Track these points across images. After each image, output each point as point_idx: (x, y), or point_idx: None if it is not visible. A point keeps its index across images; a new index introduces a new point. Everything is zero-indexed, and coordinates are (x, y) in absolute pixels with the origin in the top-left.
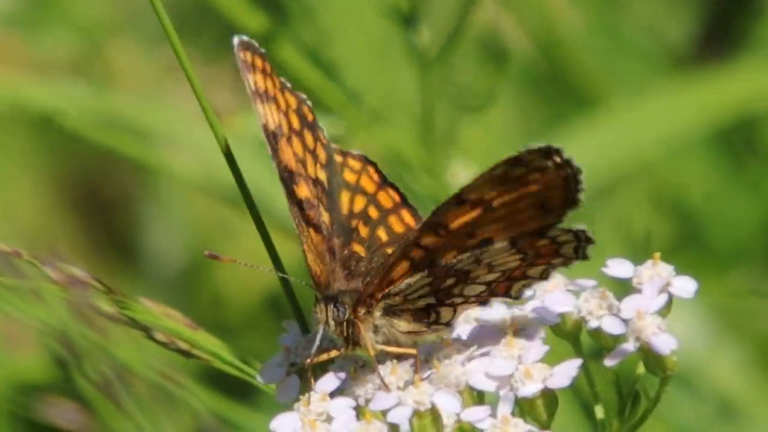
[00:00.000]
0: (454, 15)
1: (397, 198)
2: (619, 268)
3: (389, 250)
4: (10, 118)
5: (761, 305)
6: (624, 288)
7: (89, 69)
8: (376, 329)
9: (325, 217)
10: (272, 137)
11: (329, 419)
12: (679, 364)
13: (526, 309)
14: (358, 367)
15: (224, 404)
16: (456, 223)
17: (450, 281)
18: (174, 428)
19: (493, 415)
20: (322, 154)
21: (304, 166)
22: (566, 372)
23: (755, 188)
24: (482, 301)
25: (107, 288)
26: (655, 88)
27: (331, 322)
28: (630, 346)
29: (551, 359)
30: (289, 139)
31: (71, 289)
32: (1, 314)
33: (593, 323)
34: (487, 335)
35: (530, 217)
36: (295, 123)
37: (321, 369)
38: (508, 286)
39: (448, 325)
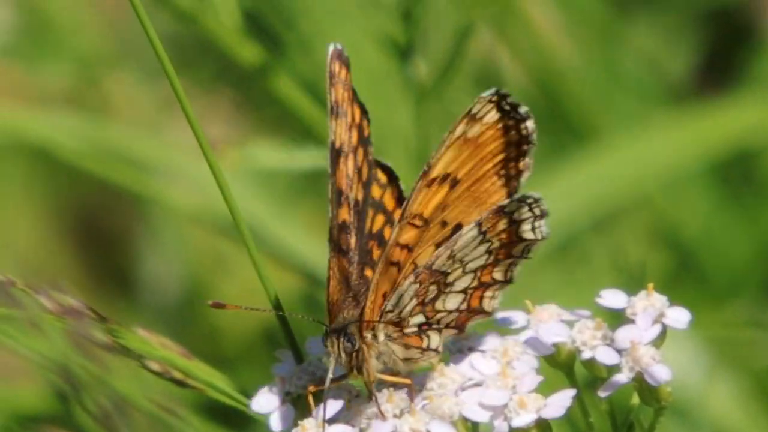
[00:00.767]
0: (450, 47)
1: None
2: (612, 298)
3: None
4: (9, 148)
5: (758, 337)
6: (618, 319)
7: (87, 101)
8: (378, 356)
9: (353, 240)
10: (335, 155)
11: None
12: (675, 395)
13: (520, 339)
14: (352, 397)
15: None
16: (429, 208)
17: (433, 290)
18: None
19: None
20: (365, 171)
21: (351, 186)
22: (560, 402)
23: (752, 221)
24: (462, 322)
25: (101, 317)
26: (654, 122)
27: (343, 355)
28: (624, 377)
29: (545, 389)
30: (346, 157)
31: (66, 318)
32: None
33: (587, 354)
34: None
35: (492, 187)
36: (354, 139)
37: (315, 398)
38: (481, 297)
39: (437, 351)
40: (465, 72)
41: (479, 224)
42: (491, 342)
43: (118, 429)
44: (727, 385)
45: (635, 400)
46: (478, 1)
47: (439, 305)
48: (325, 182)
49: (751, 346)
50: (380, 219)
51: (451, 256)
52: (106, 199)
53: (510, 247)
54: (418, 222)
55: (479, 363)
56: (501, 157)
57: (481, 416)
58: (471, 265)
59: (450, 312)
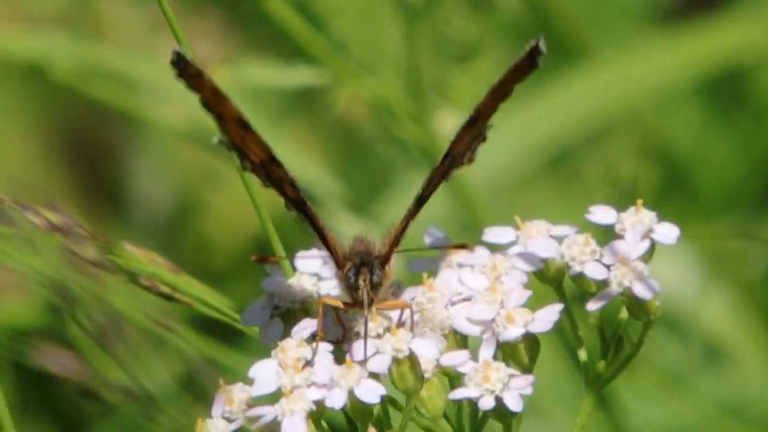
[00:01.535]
0: None
1: None
2: (601, 214)
3: None
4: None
5: (749, 249)
6: (608, 235)
7: (78, 21)
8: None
9: None
10: None
11: (308, 365)
12: (666, 309)
13: (509, 254)
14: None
15: (214, 348)
16: None
17: None
18: (165, 373)
19: (475, 359)
20: None
21: None
22: (548, 316)
23: (743, 137)
24: None
25: (90, 233)
26: (644, 40)
27: (367, 287)
28: (613, 290)
29: (534, 304)
30: None
31: (54, 234)
32: None
33: (576, 269)
34: (470, 280)
35: None
36: None
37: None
38: None
39: None
40: None
41: None
42: (480, 257)
43: (112, 343)
44: (719, 299)
45: (624, 314)
46: None
47: None
48: (315, 100)
49: (742, 259)
50: None
51: None
52: (96, 118)
53: None
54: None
55: (468, 278)
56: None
57: (472, 330)
58: None
59: None
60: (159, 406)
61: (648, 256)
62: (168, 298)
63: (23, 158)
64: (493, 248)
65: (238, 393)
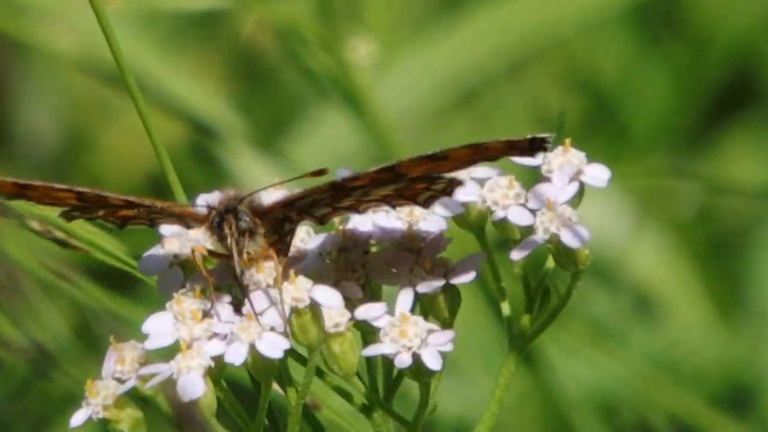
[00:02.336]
0: None
1: None
2: None
3: None
4: None
5: (680, 188)
6: (533, 176)
7: None
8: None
9: None
10: None
11: (205, 316)
12: (596, 256)
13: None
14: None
15: (111, 298)
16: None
17: None
18: (61, 323)
19: (391, 312)
20: None
21: None
22: (469, 266)
23: (676, 67)
24: None
25: None
26: None
27: (236, 234)
28: (538, 237)
29: (454, 253)
30: None
31: None
32: None
33: (499, 214)
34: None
35: None
36: None
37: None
38: None
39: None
40: None
41: None
42: None
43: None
44: (650, 243)
45: (551, 263)
46: None
47: None
48: (217, 25)
49: (675, 199)
50: None
51: None
52: None
53: None
54: None
55: (383, 223)
56: None
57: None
58: None
59: None
60: (54, 361)
61: (576, 200)
62: (63, 244)
63: None
64: None
65: (130, 351)
